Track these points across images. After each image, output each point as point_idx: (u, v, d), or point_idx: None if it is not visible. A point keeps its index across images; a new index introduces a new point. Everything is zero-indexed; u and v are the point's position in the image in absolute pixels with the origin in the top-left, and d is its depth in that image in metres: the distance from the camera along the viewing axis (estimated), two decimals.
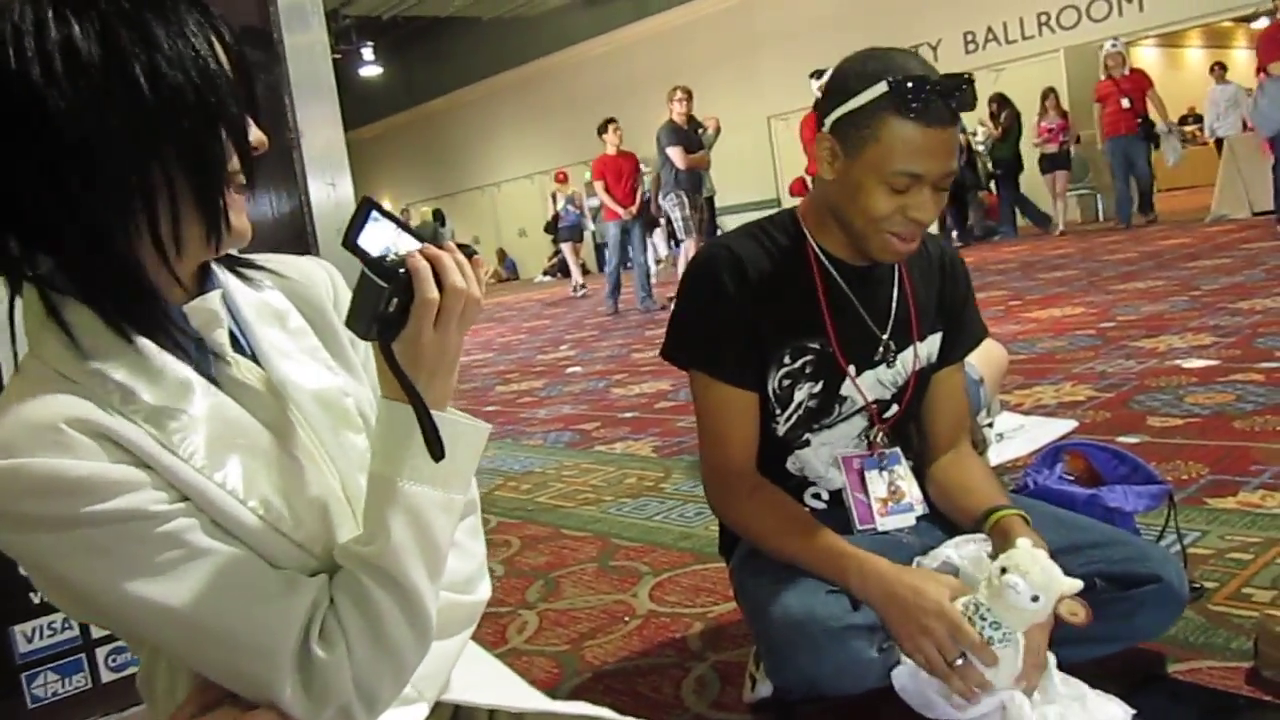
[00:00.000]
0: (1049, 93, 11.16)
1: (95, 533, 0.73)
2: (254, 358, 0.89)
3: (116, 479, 0.74)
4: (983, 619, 1.20)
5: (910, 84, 1.28)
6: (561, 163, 19.35)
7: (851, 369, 1.47)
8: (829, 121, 1.37)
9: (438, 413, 0.81)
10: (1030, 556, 1.20)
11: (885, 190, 1.33)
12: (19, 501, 0.72)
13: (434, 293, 0.78)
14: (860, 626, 1.26)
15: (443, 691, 0.95)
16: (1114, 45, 10.40)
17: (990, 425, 2.65)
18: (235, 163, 0.81)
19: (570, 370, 6.08)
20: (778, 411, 1.47)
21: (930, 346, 1.53)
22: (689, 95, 8.69)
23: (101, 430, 0.75)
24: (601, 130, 9.43)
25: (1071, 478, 1.79)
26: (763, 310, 1.43)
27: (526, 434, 4.19)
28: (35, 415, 0.74)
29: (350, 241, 0.78)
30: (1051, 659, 1.26)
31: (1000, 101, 11.40)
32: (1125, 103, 10.04)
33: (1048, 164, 11.11)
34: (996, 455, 2.33)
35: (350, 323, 0.81)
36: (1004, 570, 1.19)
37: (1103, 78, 10.35)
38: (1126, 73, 10.23)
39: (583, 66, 18.69)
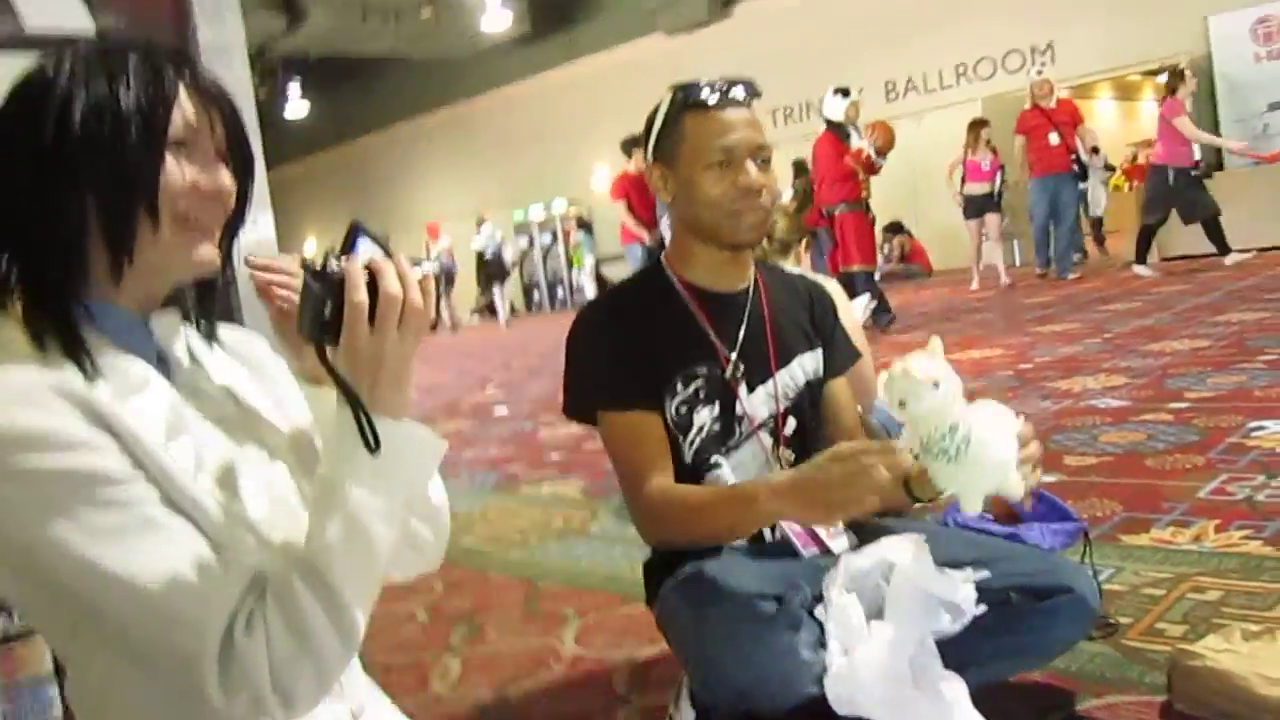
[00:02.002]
0: (978, 124, 9.73)
1: (53, 487, 0.76)
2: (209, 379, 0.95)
3: (84, 438, 0.77)
4: (941, 440, 1.18)
5: (690, 84, 1.49)
6: (490, 203, 19.41)
7: (743, 389, 1.53)
8: (650, 154, 1.55)
9: (387, 419, 0.83)
10: (890, 377, 1.19)
11: (710, 174, 1.47)
12: None
13: (361, 295, 0.82)
14: (784, 626, 1.27)
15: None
16: (1039, 72, 9.37)
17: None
18: (180, 204, 0.85)
19: (498, 411, 6.04)
20: (680, 439, 1.51)
21: (814, 363, 1.61)
22: None
23: (75, 395, 0.78)
24: (628, 149, 8.53)
25: (990, 516, 1.83)
26: (647, 344, 1.51)
27: (452, 476, 4.14)
28: (14, 378, 0.78)
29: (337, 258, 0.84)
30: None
31: (796, 168, 9.75)
32: (1054, 138, 8.91)
33: (973, 208, 9.62)
34: None
35: (299, 328, 0.85)
36: (901, 403, 1.18)
37: (1027, 107, 9.12)
38: (1053, 104, 9.06)
39: (513, 107, 18.75)
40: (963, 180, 9.74)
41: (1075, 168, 9.08)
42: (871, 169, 7.23)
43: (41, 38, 1.54)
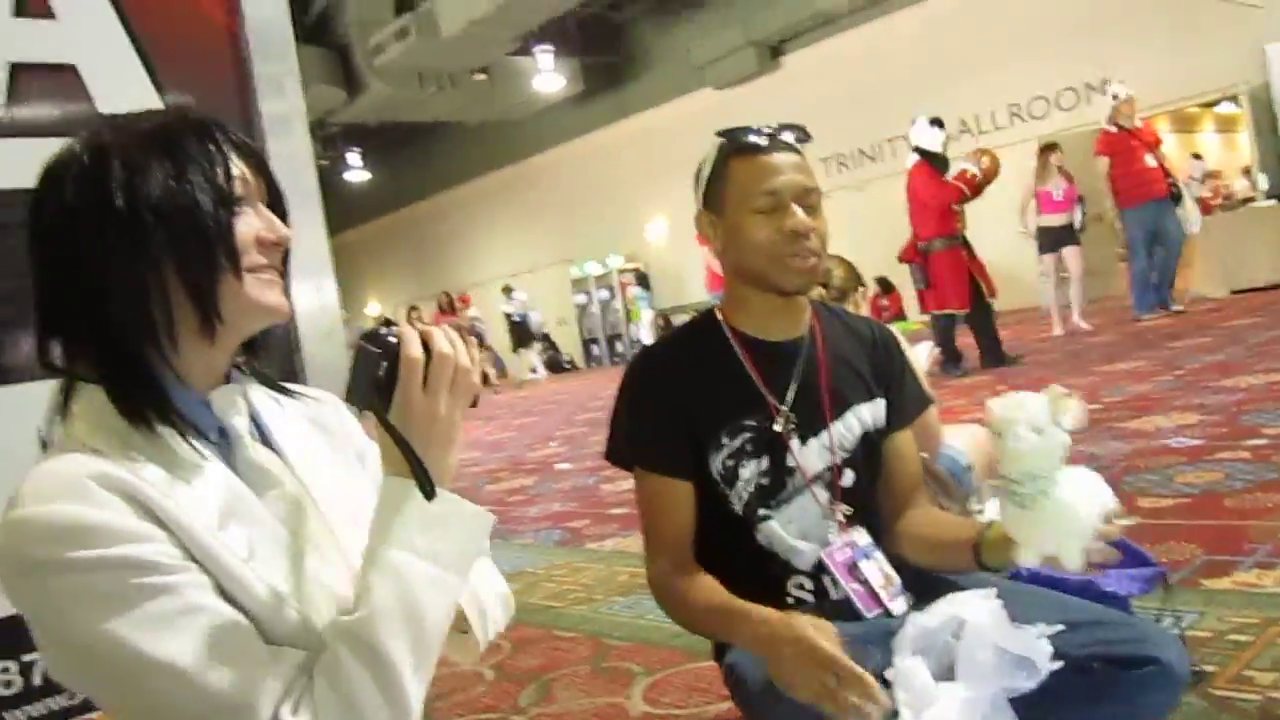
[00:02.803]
0: (1048, 149, 8.66)
1: (101, 578, 0.76)
2: (285, 462, 0.95)
3: (132, 528, 0.78)
4: (1019, 483, 1.17)
5: (736, 129, 1.49)
6: (549, 259, 19.62)
7: (795, 441, 1.50)
8: (699, 205, 1.54)
9: (438, 487, 0.84)
10: (1003, 407, 1.18)
11: (757, 219, 1.46)
12: (36, 546, 0.77)
13: (418, 351, 0.85)
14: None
15: None
16: (1122, 91, 8.17)
17: (981, 512, 2.63)
18: (253, 256, 0.90)
19: (560, 466, 6.06)
20: (728, 491, 1.50)
21: (873, 413, 1.57)
22: None
23: (124, 487, 0.80)
24: None
25: None
26: (695, 398, 1.49)
27: (517, 533, 4.15)
28: (63, 470, 0.80)
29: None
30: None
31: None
32: (1150, 159, 7.86)
33: (1049, 241, 8.47)
34: None
35: (348, 396, 0.86)
36: (998, 434, 1.18)
37: (1112, 129, 8.11)
38: (1140, 124, 8.13)
39: (567, 166, 19.06)
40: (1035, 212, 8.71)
41: (1169, 192, 8.08)
42: (975, 189, 6.99)
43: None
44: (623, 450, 1.56)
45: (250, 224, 0.90)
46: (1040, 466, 1.18)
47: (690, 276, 15.58)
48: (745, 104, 15.05)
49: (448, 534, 0.84)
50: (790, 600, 1.53)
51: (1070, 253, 8.51)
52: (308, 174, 2.00)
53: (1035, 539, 1.20)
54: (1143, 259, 8.20)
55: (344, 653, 0.80)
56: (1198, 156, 9.11)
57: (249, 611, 0.81)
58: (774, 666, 1.25)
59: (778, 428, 1.50)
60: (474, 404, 0.89)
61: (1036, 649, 1.24)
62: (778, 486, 1.50)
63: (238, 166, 0.90)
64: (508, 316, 16.74)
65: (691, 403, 1.49)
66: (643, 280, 18.36)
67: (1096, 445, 3.76)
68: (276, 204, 0.95)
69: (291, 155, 2.06)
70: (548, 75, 16.88)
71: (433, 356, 0.85)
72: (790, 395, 1.52)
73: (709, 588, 1.44)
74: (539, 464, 6.38)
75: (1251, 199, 11.53)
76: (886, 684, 1.27)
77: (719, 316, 1.57)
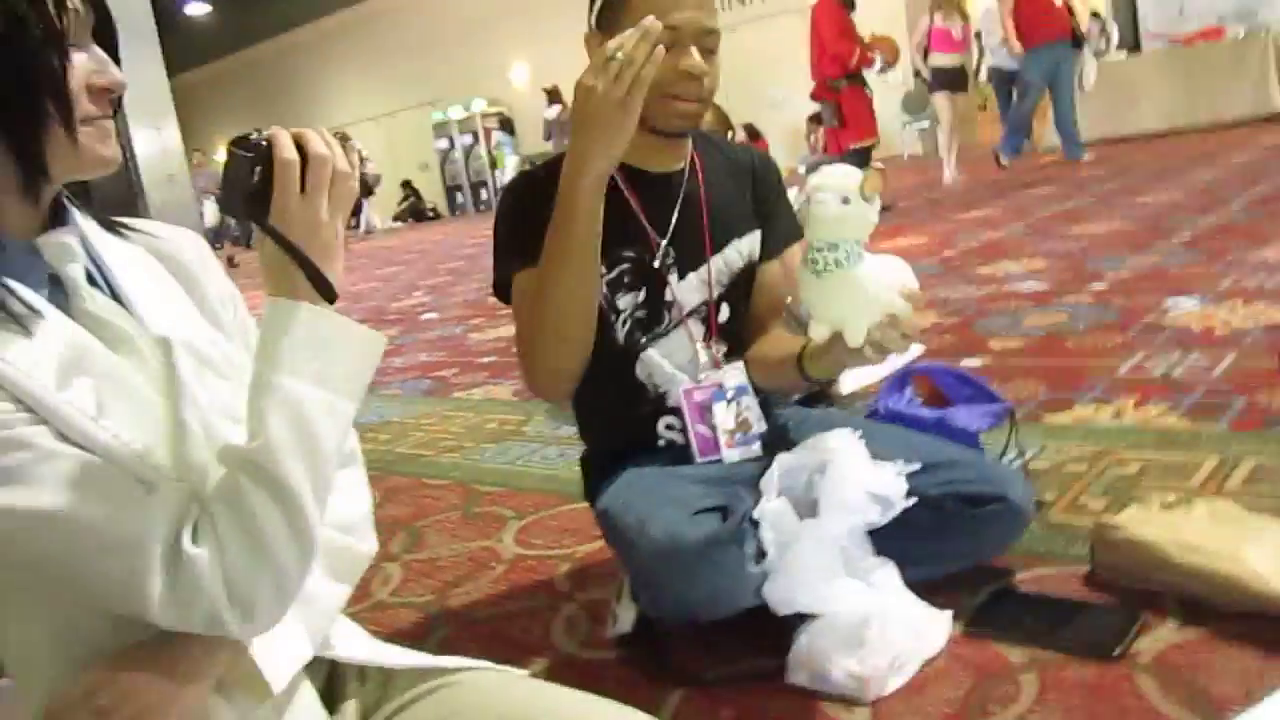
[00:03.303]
0: None
1: None
2: (119, 301, 0.87)
3: None
4: (819, 250, 1.19)
5: None
6: (408, 102, 18.87)
7: (673, 276, 1.49)
8: (592, 22, 1.44)
9: (322, 308, 0.80)
10: (820, 174, 1.21)
11: None
12: None
13: (291, 153, 0.79)
14: (727, 541, 1.28)
15: (325, 647, 0.92)
16: None
17: None
18: (85, 105, 0.81)
19: (425, 317, 5.97)
20: (612, 319, 1.48)
21: (751, 244, 1.56)
22: None
23: None
24: None
25: (920, 400, 1.86)
26: None
27: (383, 384, 4.09)
28: None
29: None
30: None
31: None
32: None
33: (942, 81, 8.13)
34: (848, 382, 2.39)
35: (223, 205, 0.82)
36: (806, 200, 1.20)
37: None
38: None
39: (425, 5, 18.11)
40: (925, 51, 8.28)
41: (1072, 35, 7.78)
42: (867, 62, 6.93)
43: None
44: (517, 258, 1.45)
45: (81, 67, 0.80)
46: (840, 235, 1.18)
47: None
48: None
49: (339, 357, 0.80)
50: (661, 442, 1.55)
51: (959, 101, 8.19)
52: (143, 8, 1.84)
53: (825, 309, 1.22)
54: (1032, 102, 7.92)
55: (245, 482, 0.76)
56: (1096, 15, 8.94)
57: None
58: (589, 133, 1.25)
59: (655, 263, 1.48)
60: (355, 212, 0.85)
61: (893, 486, 1.29)
62: (655, 320, 1.49)
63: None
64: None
65: None
66: (506, 125, 17.86)
67: (950, 289, 3.90)
68: (107, 39, 0.84)
69: None
70: None
71: (308, 159, 0.80)
72: (670, 229, 1.49)
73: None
74: (404, 314, 6.27)
75: (1102, 51, 11.81)
76: (755, 524, 1.32)
77: None
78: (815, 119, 12.92)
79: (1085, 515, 1.72)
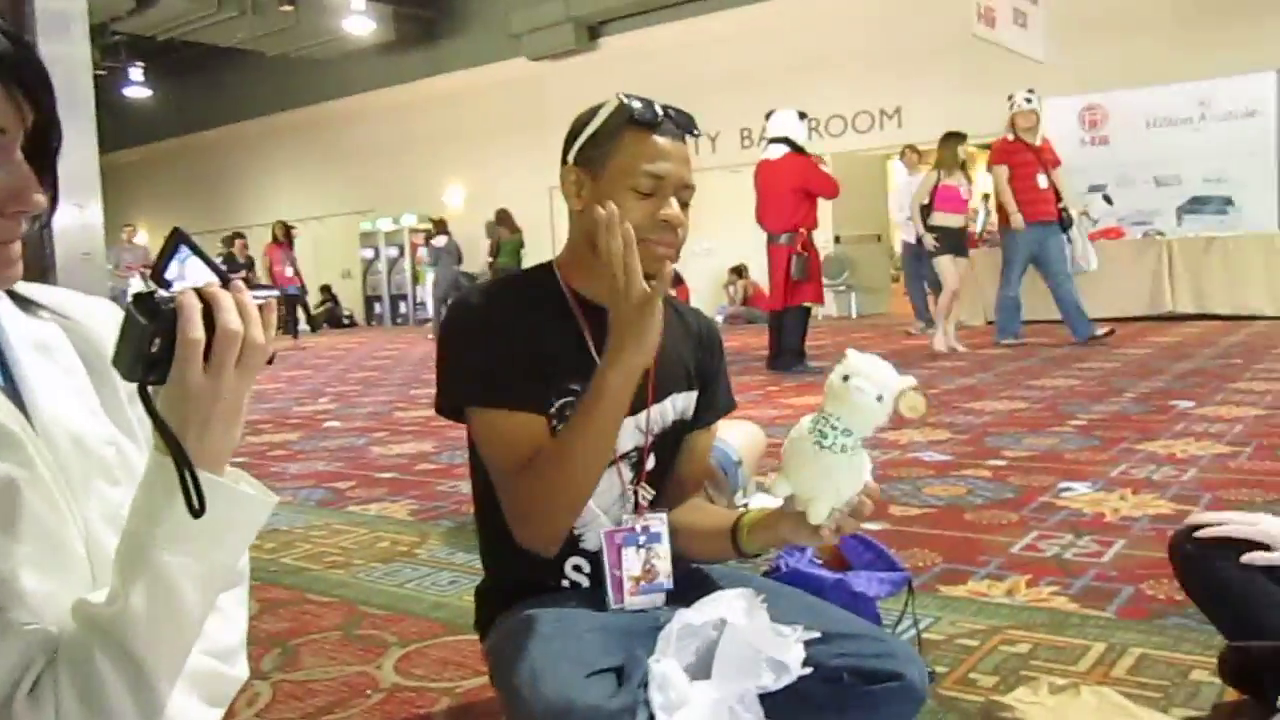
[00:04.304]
0: (955, 139, 7.88)
1: None
2: (14, 388, 0.82)
3: None
4: (833, 428, 1.21)
5: (641, 99, 1.42)
6: (339, 209, 18.90)
7: None
8: (572, 155, 1.46)
9: (209, 474, 0.73)
10: (866, 361, 1.22)
11: (634, 196, 1.40)
12: None
13: (198, 332, 0.72)
14: (621, 712, 1.23)
15: None
16: (1029, 101, 7.65)
17: (746, 505, 2.72)
18: None
19: (328, 424, 5.84)
20: None
21: (685, 403, 1.57)
22: None
23: None
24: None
25: (820, 561, 1.86)
26: (532, 348, 1.43)
27: (276, 490, 3.94)
28: None
29: (158, 274, 0.75)
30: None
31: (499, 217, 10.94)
32: (1043, 180, 7.51)
33: (948, 243, 7.73)
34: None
35: (115, 361, 0.74)
36: (845, 377, 1.21)
37: (1009, 137, 7.66)
38: (1041, 141, 7.67)
39: (367, 116, 18.37)
40: (926, 209, 7.89)
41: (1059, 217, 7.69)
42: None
43: None
44: (468, 390, 1.44)
45: None
46: (858, 426, 1.22)
47: (482, 246, 15.42)
48: (559, 79, 14.97)
49: (221, 530, 0.75)
50: (565, 582, 1.51)
51: (954, 263, 7.82)
52: (84, 82, 1.82)
53: (806, 480, 1.24)
54: (1015, 283, 7.76)
55: (95, 648, 0.71)
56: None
57: None
58: (633, 347, 1.31)
59: None
60: (270, 362, 0.79)
61: (791, 653, 1.28)
62: None
63: None
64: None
65: (529, 349, 1.42)
66: (440, 232, 17.96)
67: None
68: (44, 136, 0.79)
69: (67, 59, 1.87)
70: (358, 17, 16.21)
71: (216, 333, 0.73)
72: None
73: (555, 438, 1.41)
74: (306, 419, 6.13)
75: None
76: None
77: (557, 274, 1.51)
78: (736, 271, 13.35)
79: (976, 691, 1.71)
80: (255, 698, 1.87)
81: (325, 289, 18.97)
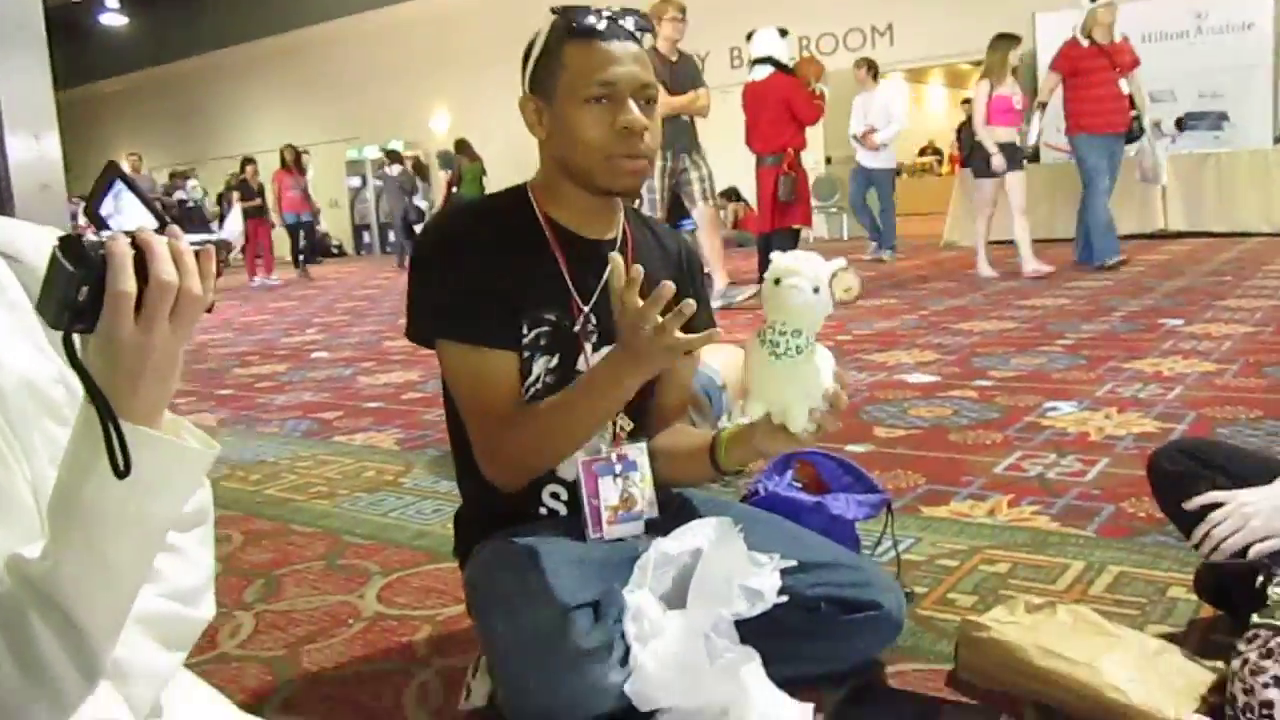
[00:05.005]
0: (1008, 41, 6.97)
1: None
2: None
3: None
4: (780, 334, 1.19)
5: (575, 8, 1.38)
6: (325, 137, 18.63)
7: (589, 344, 1.45)
8: (526, 86, 1.42)
9: (140, 427, 0.69)
10: (792, 258, 1.21)
11: (589, 111, 1.36)
12: None
13: (127, 284, 0.67)
14: (597, 649, 1.23)
15: (154, 715, 0.85)
16: None
17: None
18: None
19: (315, 355, 5.82)
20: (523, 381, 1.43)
21: None
22: (683, 14, 6.06)
23: None
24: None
25: (799, 485, 1.86)
26: (503, 278, 1.40)
27: (262, 421, 3.95)
28: None
29: (92, 210, 0.71)
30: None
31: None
32: (1123, 85, 6.79)
33: (1002, 157, 6.86)
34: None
35: (39, 306, 0.69)
36: (777, 280, 1.20)
37: (1082, 42, 6.89)
38: (1118, 39, 6.93)
39: (350, 42, 18.01)
40: (964, 126, 7.15)
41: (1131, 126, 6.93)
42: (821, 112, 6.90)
43: None
44: (438, 322, 1.42)
45: None
46: (804, 323, 1.20)
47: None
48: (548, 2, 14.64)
49: (157, 487, 0.72)
50: (542, 510, 1.51)
51: (1015, 179, 6.98)
52: (33, 11, 1.76)
53: (774, 392, 1.23)
54: (1103, 192, 6.97)
55: (28, 605, 0.69)
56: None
57: None
58: (632, 367, 1.29)
59: (576, 328, 1.44)
60: (209, 310, 0.73)
61: (767, 583, 1.27)
62: (563, 386, 1.44)
63: None
64: (181, 204, 15.39)
65: (500, 281, 1.39)
66: (421, 170, 17.76)
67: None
68: None
69: None
70: None
71: (149, 284, 0.68)
72: (594, 296, 1.45)
73: (540, 406, 1.39)
74: (293, 350, 6.11)
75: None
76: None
77: (531, 199, 1.47)
78: (726, 194, 13.21)
79: (953, 611, 1.72)
80: (238, 629, 1.88)
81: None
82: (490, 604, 1.35)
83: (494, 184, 12.60)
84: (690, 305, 1.21)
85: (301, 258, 13.45)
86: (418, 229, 14.94)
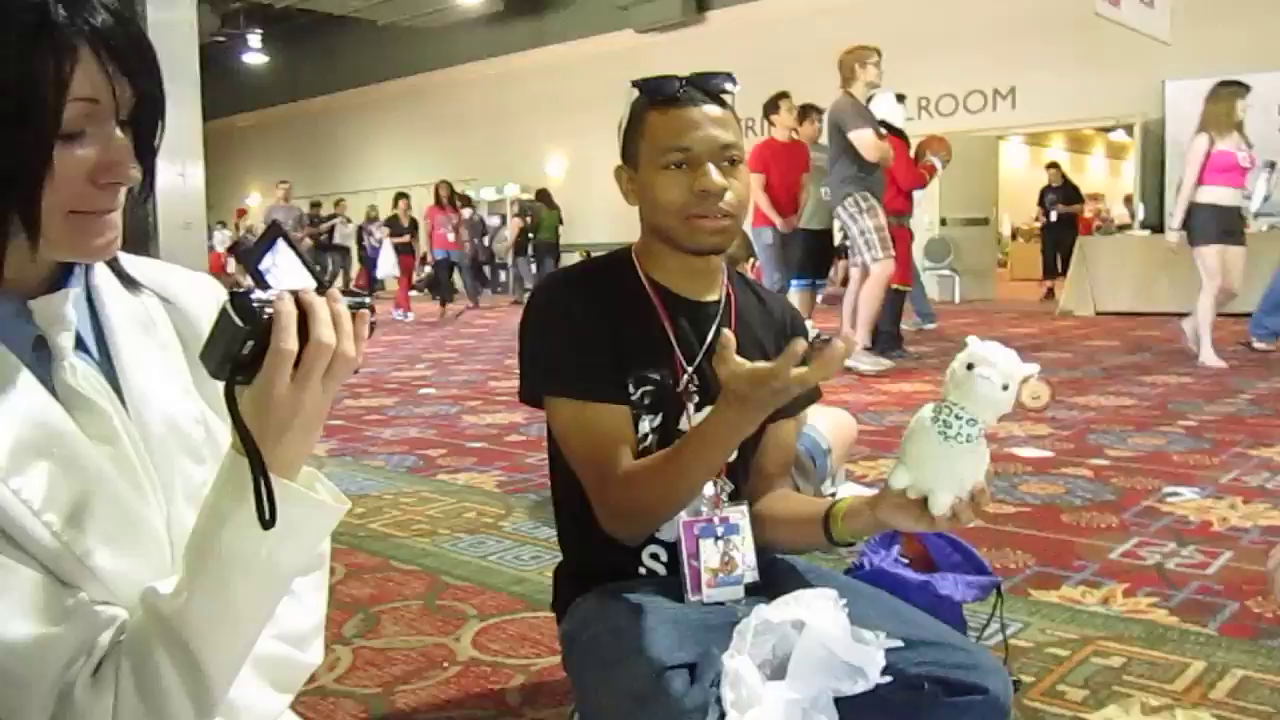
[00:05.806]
0: (1235, 90, 5.93)
1: None
2: (109, 364, 0.83)
3: None
4: (957, 418, 1.17)
5: (652, 78, 1.41)
6: (441, 176, 19.16)
7: (692, 405, 1.44)
8: (621, 156, 1.46)
9: (283, 481, 0.73)
10: (990, 349, 1.18)
11: (668, 176, 1.38)
12: None
13: (291, 344, 0.71)
14: (694, 711, 1.21)
15: None
16: None
17: (834, 495, 2.67)
18: (78, 193, 0.75)
19: (423, 391, 5.94)
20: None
21: None
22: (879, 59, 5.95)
23: None
24: (771, 109, 7.01)
25: (906, 560, 1.81)
26: (612, 337, 1.41)
27: (368, 454, 4.04)
28: None
29: (251, 266, 0.73)
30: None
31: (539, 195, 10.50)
32: None
33: (1218, 227, 5.88)
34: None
35: (202, 355, 0.73)
36: (970, 365, 1.17)
37: None
38: None
39: (471, 86, 18.58)
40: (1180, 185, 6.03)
41: None
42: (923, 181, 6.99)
43: None
44: (552, 380, 1.43)
45: (81, 157, 0.74)
46: (983, 414, 1.18)
47: (581, 217, 15.41)
48: (664, 52, 14.85)
49: (291, 539, 0.74)
50: (642, 570, 1.50)
51: (1235, 253, 5.89)
52: (188, 49, 1.85)
53: (929, 470, 1.21)
54: None
55: (158, 649, 0.71)
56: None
57: (36, 560, 0.72)
58: (739, 415, 1.25)
59: (679, 387, 1.44)
60: (356, 371, 0.77)
61: (870, 660, 1.24)
62: (665, 446, 1.43)
63: (88, 74, 0.72)
64: (330, 235, 15.53)
65: (608, 340, 1.41)
66: (535, 209, 18.10)
67: None
68: (149, 114, 0.78)
69: (173, 26, 1.90)
70: None
71: (309, 344, 0.71)
72: (698, 358, 1.45)
73: (657, 458, 1.38)
74: (402, 385, 6.24)
75: (1128, 226, 12.03)
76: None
77: (635, 261, 1.49)
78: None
79: (1063, 704, 1.65)
80: (336, 663, 1.91)
81: (424, 258, 19.30)
82: (586, 659, 1.34)
83: (599, 230, 12.77)
84: (801, 344, 1.19)
85: (439, 296, 13.46)
86: (486, 270, 15.23)
